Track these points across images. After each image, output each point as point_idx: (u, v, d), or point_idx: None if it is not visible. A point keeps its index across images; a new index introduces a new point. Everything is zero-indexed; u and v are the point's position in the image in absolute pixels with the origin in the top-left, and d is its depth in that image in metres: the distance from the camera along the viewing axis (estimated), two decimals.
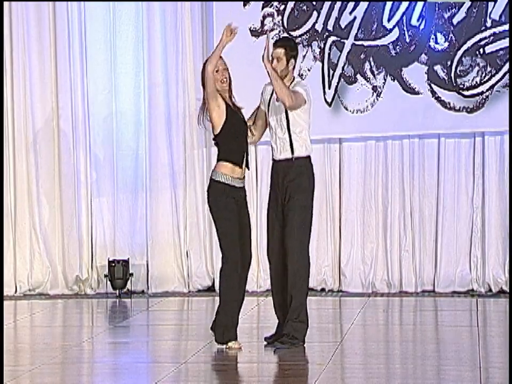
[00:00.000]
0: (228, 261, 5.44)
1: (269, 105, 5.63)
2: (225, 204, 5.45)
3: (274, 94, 5.57)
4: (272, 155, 5.66)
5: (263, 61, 5.51)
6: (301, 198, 5.52)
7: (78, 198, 8.02)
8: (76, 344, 5.95)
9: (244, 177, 5.55)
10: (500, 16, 7.42)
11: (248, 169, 5.56)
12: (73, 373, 5.24)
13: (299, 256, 5.46)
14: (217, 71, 5.48)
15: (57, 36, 7.95)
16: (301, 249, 5.48)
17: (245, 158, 5.51)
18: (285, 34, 7.69)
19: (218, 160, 5.55)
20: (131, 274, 7.86)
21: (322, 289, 7.83)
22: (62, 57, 7.96)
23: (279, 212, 5.54)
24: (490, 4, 7.40)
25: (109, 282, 7.86)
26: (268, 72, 5.49)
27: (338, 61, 7.64)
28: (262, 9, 7.75)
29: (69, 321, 7.12)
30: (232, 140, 5.48)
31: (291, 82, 5.61)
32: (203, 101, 5.54)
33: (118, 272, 7.81)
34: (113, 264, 7.83)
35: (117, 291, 7.83)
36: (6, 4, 7.86)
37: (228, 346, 5.49)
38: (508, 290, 7.47)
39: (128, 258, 7.93)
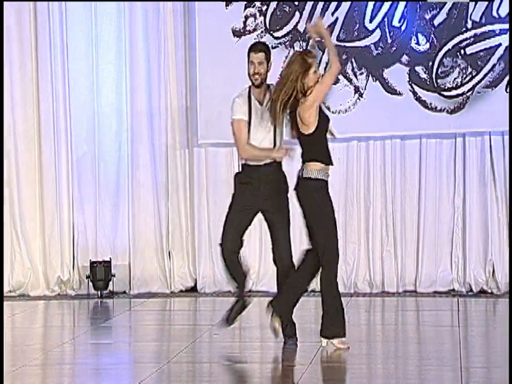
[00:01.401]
0: (334, 259, 5.40)
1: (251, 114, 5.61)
2: (329, 200, 5.48)
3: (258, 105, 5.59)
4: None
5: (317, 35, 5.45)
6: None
7: (59, 198, 7.99)
8: (57, 345, 5.92)
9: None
10: (481, 18, 7.47)
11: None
12: (55, 374, 5.21)
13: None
14: (311, 69, 5.42)
15: (38, 36, 7.91)
16: None
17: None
18: (267, 35, 7.70)
19: (309, 160, 5.47)
20: (113, 275, 7.84)
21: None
22: (43, 57, 7.92)
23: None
24: (471, 6, 7.44)
25: (90, 283, 7.83)
26: (325, 39, 5.45)
27: (320, 61, 7.66)
28: (245, 9, 7.75)
29: (50, 322, 7.09)
30: (324, 139, 5.49)
31: (268, 86, 5.65)
32: (290, 111, 5.45)
33: (100, 273, 7.79)
34: (95, 265, 7.80)
35: (99, 292, 7.81)
36: None
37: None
38: (490, 291, 7.53)
39: (110, 259, 7.91)
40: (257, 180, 5.55)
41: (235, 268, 5.63)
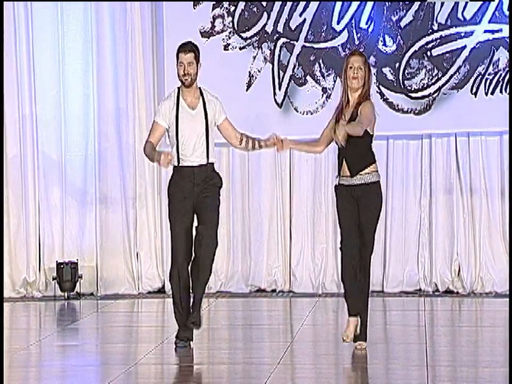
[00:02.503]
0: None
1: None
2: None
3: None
4: (187, 163, 5.60)
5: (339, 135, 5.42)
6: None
7: (25, 199, 7.92)
8: (23, 347, 5.87)
9: None
10: (446, 20, 7.54)
11: None
12: (20, 377, 5.16)
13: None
14: (350, 68, 5.41)
15: (4, 36, 7.83)
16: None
17: None
18: (235, 36, 7.71)
19: (372, 162, 5.49)
20: (80, 277, 7.78)
21: (273, 290, 7.86)
22: (8, 58, 7.84)
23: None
24: (437, 8, 7.51)
25: (57, 284, 7.77)
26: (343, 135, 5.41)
27: (288, 62, 7.68)
28: (212, 10, 7.74)
29: (16, 324, 7.02)
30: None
31: (200, 90, 5.65)
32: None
33: (67, 275, 7.73)
34: (61, 266, 7.74)
35: (66, 293, 7.75)
36: None
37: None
38: (455, 290, 7.61)
39: (77, 260, 7.85)
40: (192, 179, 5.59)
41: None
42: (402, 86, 7.57)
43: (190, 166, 5.57)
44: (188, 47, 5.64)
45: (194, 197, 5.57)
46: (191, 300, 5.56)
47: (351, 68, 5.46)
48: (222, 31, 7.73)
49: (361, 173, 5.47)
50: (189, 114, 5.59)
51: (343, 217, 5.51)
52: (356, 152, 5.48)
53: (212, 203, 5.58)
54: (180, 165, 5.57)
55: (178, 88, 5.66)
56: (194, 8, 7.76)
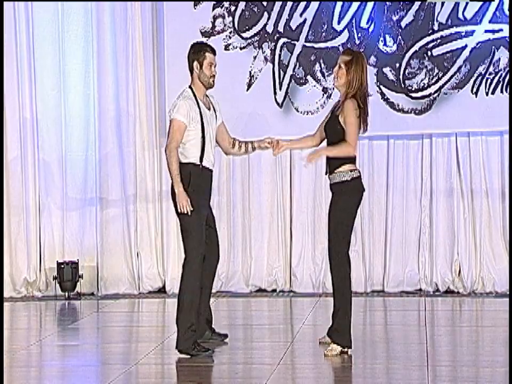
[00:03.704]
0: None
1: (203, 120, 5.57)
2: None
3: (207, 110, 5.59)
4: (207, 163, 5.57)
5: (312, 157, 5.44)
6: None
7: (26, 199, 7.92)
8: (23, 347, 5.87)
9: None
10: (447, 20, 7.54)
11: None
12: (21, 377, 5.17)
13: None
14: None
15: (4, 36, 7.83)
16: None
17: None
18: (236, 36, 7.71)
19: (347, 162, 5.48)
20: (80, 276, 7.79)
21: (274, 290, 7.87)
22: (8, 58, 7.84)
23: None
24: (438, 8, 7.51)
25: (57, 284, 7.77)
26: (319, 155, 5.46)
27: (289, 62, 7.68)
28: (213, 10, 7.75)
29: (16, 324, 7.02)
30: None
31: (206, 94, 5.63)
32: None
33: (67, 274, 7.74)
34: (62, 266, 7.75)
35: (66, 293, 7.75)
36: None
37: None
38: (456, 290, 7.61)
39: (78, 260, 7.85)
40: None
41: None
42: (402, 86, 7.57)
43: (209, 169, 5.55)
44: (213, 48, 5.64)
45: (208, 201, 5.60)
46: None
47: (337, 65, 5.49)
48: (223, 31, 7.73)
49: (335, 171, 5.47)
50: (206, 115, 5.57)
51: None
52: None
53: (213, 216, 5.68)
54: (203, 164, 5.51)
55: (190, 88, 5.61)
56: (195, 8, 7.77)
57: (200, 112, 5.53)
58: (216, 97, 5.75)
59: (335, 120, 5.47)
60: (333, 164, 5.52)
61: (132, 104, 7.89)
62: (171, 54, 7.72)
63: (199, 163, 5.51)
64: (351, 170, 5.50)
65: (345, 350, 5.40)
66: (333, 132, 5.49)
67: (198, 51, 5.60)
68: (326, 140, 5.63)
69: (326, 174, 5.62)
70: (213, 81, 5.59)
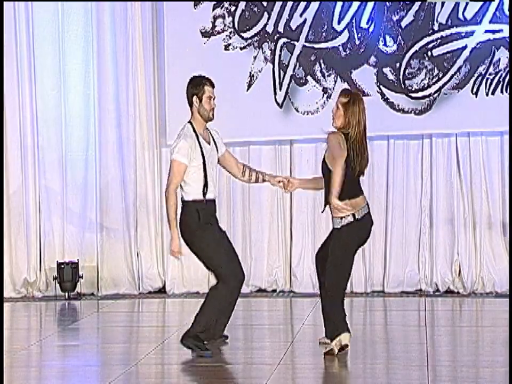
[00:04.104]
0: None
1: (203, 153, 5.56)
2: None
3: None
4: (210, 195, 5.57)
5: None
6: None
7: (26, 199, 7.92)
8: (23, 347, 5.87)
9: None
10: (447, 20, 7.54)
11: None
12: (21, 377, 5.17)
13: None
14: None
15: (4, 36, 7.83)
16: None
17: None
18: (236, 36, 7.71)
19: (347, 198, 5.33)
20: (80, 277, 7.79)
21: (274, 290, 7.87)
22: (8, 58, 7.85)
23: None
24: (438, 8, 7.51)
25: (57, 284, 7.78)
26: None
27: (289, 62, 7.68)
28: (213, 10, 7.75)
29: (16, 324, 7.03)
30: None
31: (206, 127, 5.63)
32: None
33: (67, 275, 7.74)
34: (62, 267, 7.75)
35: (66, 293, 7.75)
36: None
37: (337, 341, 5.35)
38: (456, 290, 7.61)
39: (78, 260, 7.85)
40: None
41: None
42: (403, 86, 7.57)
43: (213, 200, 5.58)
44: (211, 81, 5.61)
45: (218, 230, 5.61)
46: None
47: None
48: (223, 31, 7.73)
49: (334, 216, 5.40)
50: (207, 149, 5.59)
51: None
52: (325, 189, 5.47)
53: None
54: (206, 198, 5.52)
55: (190, 123, 5.60)
56: (195, 8, 7.77)
57: (201, 148, 5.54)
58: (216, 98, 5.74)
59: (324, 161, 5.45)
60: (326, 203, 5.40)
61: (132, 104, 7.89)
62: (171, 54, 7.73)
63: (202, 198, 5.52)
64: (341, 218, 5.35)
65: (343, 344, 5.35)
66: (324, 172, 5.45)
67: (196, 85, 5.59)
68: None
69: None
70: (213, 114, 5.59)
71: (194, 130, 5.57)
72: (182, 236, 5.50)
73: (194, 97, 5.58)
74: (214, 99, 5.61)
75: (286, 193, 5.85)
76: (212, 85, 5.62)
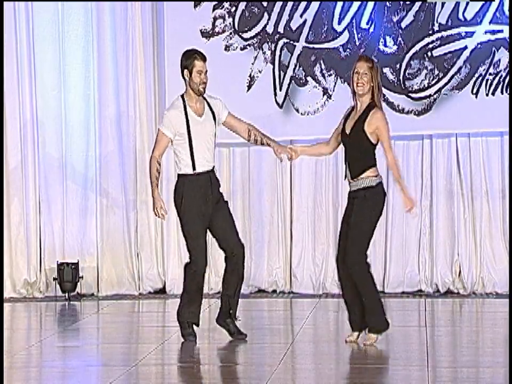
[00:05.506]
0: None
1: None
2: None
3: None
4: (201, 167, 5.66)
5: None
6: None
7: (26, 199, 7.92)
8: (23, 348, 5.87)
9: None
10: (447, 20, 7.54)
11: None
12: (21, 378, 5.17)
13: None
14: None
15: (4, 36, 7.83)
16: None
17: None
18: (236, 37, 7.71)
19: (370, 167, 5.53)
20: (81, 277, 7.79)
21: (274, 291, 7.87)
22: (8, 58, 7.85)
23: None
24: (438, 8, 7.52)
25: (58, 285, 7.77)
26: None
27: (289, 63, 7.68)
28: (213, 10, 7.75)
29: (17, 325, 7.03)
30: None
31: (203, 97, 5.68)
32: None
33: (67, 275, 7.73)
34: (62, 267, 7.75)
35: (66, 294, 7.75)
36: None
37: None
38: (456, 291, 7.61)
39: (78, 261, 7.85)
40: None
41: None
42: (403, 87, 7.57)
43: (206, 172, 5.62)
44: (203, 55, 5.66)
45: (213, 202, 5.64)
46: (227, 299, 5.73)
47: (357, 73, 5.50)
48: (223, 31, 7.73)
49: (358, 177, 5.47)
50: (197, 121, 5.61)
51: (341, 227, 5.59)
52: (355, 155, 5.52)
53: (229, 211, 5.72)
54: (196, 171, 5.60)
55: (182, 96, 5.64)
56: (195, 9, 7.77)
57: (187, 121, 5.56)
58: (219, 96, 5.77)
59: (360, 130, 5.47)
60: (355, 170, 5.51)
61: (132, 104, 7.89)
62: (171, 54, 7.72)
63: (192, 172, 5.59)
64: (375, 176, 5.54)
65: (381, 335, 5.46)
66: (358, 141, 5.49)
67: (187, 58, 5.64)
68: (344, 147, 5.59)
69: (345, 179, 5.59)
70: (203, 88, 5.61)
71: (184, 103, 5.58)
72: (175, 203, 5.69)
73: (185, 71, 5.62)
74: (205, 73, 5.60)
75: (291, 161, 5.93)
76: (203, 59, 5.62)
